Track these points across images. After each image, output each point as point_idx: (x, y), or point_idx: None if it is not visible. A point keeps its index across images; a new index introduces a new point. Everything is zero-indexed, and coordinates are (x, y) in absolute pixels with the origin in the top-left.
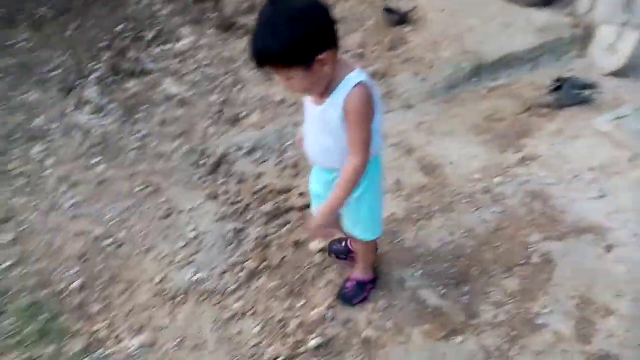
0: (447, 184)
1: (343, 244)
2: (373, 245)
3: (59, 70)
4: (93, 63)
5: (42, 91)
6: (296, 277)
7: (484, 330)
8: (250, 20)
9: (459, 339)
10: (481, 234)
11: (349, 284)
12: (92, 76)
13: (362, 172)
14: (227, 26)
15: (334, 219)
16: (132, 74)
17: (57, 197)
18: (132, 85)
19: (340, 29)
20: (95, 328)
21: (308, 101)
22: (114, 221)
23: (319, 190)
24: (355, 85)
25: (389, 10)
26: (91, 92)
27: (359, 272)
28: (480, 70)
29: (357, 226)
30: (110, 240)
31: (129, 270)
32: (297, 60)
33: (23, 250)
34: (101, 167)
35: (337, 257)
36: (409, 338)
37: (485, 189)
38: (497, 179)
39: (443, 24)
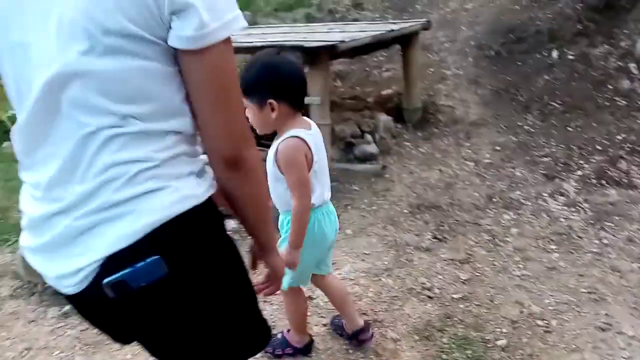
0: None
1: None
2: (290, 299)
3: (549, 158)
4: (582, 162)
5: (528, 171)
6: None
7: None
8: None
9: None
10: None
11: (282, 332)
12: (576, 173)
13: (304, 213)
14: None
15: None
16: (616, 184)
17: (510, 263)
18: (612, 193)
19: None
20: None
21: None
22: (551, 307)
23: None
24: (285, 138)
25: None
26: (570, 186)
27: (289, 331)
28: None
29: None
30: (542, 322)
31: (549, 357)
32: (251, 93)
33: (471, 291)
34: (555, 255)
35: (335, 330)
36: None
37: None
38: None
39: None
